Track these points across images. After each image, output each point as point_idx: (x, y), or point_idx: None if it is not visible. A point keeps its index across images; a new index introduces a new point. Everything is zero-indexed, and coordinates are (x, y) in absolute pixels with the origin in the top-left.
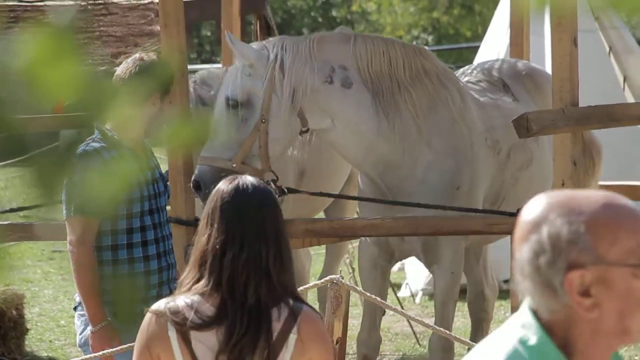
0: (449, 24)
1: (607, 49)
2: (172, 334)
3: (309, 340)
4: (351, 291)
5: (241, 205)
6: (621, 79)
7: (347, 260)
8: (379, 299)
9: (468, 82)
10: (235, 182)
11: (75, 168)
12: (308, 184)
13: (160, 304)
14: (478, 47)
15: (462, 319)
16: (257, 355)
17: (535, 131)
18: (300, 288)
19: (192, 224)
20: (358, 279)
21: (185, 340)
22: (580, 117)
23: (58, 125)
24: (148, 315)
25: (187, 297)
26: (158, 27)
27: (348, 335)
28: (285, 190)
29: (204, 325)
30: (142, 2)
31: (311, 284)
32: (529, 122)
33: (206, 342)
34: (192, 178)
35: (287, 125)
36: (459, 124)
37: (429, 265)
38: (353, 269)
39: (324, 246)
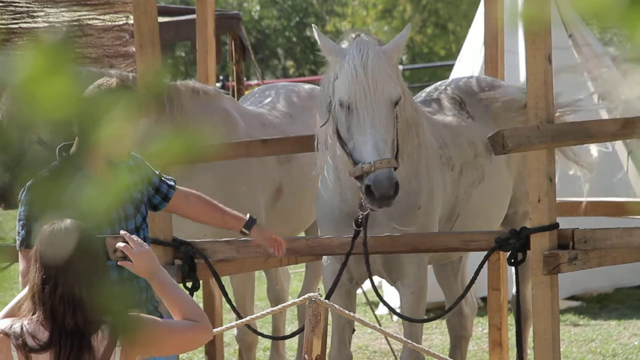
0: (423, 42)
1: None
2: (15, 354)
3: (132, 347)
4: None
5: (55, 248)
6: (595, 95)
7: None
8: (357, 316)
9: (432, 98)
10: (52, 226)
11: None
12: (284, 202)
13: (7, 325)
14: (452, 65)
15: (439, 336)
16: None
17: (511, 148)
18: (279, 306)
19: (169, 244)
20: None
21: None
22: (556, 133)
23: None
24: None
25: (29, 322)
26: (133, 48)
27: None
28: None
29: (40, 349)
30: (116, 23)
31: (290, 302)
32: (505, 139)
33: None
34: (384, 184)
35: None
36: (421, 145)
37: (393, 282)
38: None
39: (302, 265)
